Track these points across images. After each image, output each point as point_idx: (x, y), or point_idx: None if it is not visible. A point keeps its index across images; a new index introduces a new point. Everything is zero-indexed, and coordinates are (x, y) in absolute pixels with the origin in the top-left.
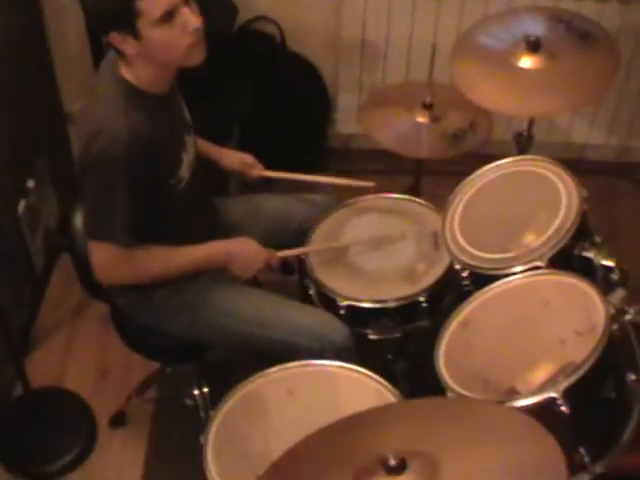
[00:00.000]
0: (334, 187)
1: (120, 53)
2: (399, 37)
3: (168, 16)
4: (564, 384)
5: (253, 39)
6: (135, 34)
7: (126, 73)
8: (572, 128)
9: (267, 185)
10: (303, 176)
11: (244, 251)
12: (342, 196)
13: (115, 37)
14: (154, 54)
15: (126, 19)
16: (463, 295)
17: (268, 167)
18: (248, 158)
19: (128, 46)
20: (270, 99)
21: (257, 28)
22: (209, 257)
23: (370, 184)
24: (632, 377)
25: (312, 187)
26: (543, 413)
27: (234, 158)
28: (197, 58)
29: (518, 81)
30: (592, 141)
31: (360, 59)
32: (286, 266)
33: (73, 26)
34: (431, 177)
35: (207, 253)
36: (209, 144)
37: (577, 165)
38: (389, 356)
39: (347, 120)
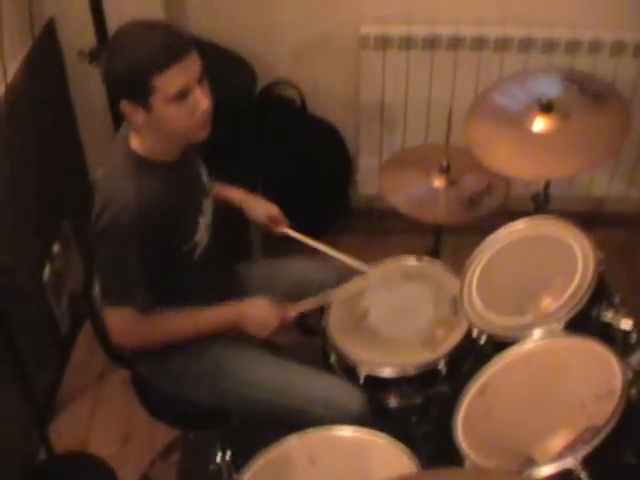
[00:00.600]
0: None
1: (129, 120)
2: (418, 99)
3: (181, 95)
4: (582, 452)
5: (274, 103)
6: (147, 107)
7: (135, 143)
8: (592, 181)
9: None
10: (320, 245)
11: (257, 311)
12: (362, 260)
13: (126, 105)
14: (161, 127)
15: (141, 92)
16: (482, 359)
17: (292, 228)
18: (275, 211)
19: (137, 116)
20: (292, 161)
21: (278, 92)
22: (223, 318)
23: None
24: None
25: None
26: None
27: (261, 210)
28: (202, 136)
29: (532, 144)
30: (613, 194)
31: (380, 121)
32: (308, 327)
33: (97, 94)
34: (452, 235)
35: (221, 315)
36: (237, 190)
37: (598, 218)
38: (413, 419)
39: (368, 181)
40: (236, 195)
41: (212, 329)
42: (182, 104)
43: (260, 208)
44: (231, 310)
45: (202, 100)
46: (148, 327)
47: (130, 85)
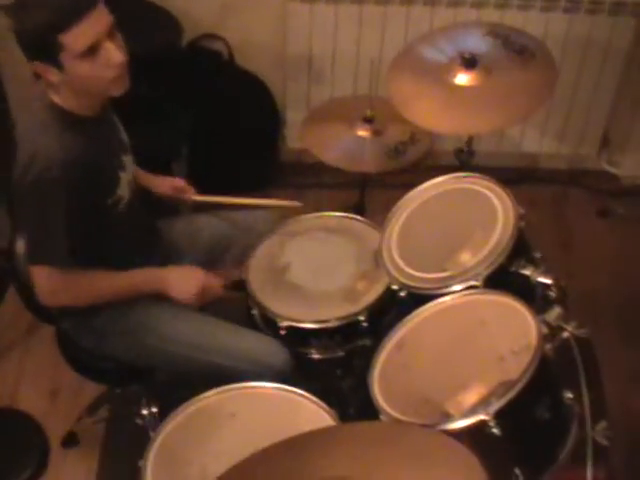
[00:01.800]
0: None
1: (44, 79)
2: (346, 52)
3: (91, 51)
4: (495, 406)
5: (201, 56)
6: (58, 66)
7: (54, 97)
8: (523, 138)
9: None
10: (233, 199)
11: (180, 276)
12: (285, 215)
13: (39, 66)
14: (76, 84)
15: (49, 51)
16: (403, 314)
17: (219, 184)
18: (178, 182)
19: (51, 75)
20: (220, 116)
21: (205, 45)
22: (147, 281)
23: (297, 204)
24: (569, 395)
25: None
26: (475, 435)
27: (165, 184)
28: (119, 90)
29: (453, 99)
30: (544, 150)
31: (308, 74)
32: (239, 283)
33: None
34: (379, 191)
35: (145, 278)
36: (141, 172)
37: (529, 174)
38: (338, 372)
39: (296, 135)
40: (139, 175)
41: (136, 290)
42: (94, 60)
43: (163, 183)
44: (156, 273)
45: (114, 54)
46: (73, 287)
47: (38, 45)
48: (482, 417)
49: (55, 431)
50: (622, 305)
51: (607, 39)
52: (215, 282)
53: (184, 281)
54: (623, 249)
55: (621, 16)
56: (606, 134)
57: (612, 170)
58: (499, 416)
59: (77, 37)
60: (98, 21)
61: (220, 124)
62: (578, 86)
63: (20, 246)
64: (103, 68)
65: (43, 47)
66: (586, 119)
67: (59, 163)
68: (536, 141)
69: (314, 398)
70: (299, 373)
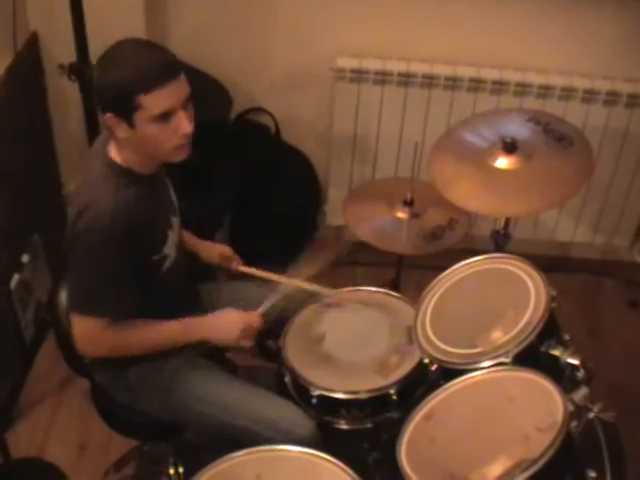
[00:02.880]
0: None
1: (111, 132)
2: (390, 134)
3: (164, 116)
4: (519, 479)
5: (249, 129)
6: (130, 123)
7: (114, 154)
8: (557, 226)
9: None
10: (274, 276)
11: (219, 320)
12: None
13: (111, 118)
14: (142, 144)
15: (125, 108)
16: (433, 388)
17: (257, 256)
18: (227, 251)
19: (120, 130)
20: (262, 189)
21: (253, 119)
22: (186, 332)
23: (332, 292)
24: (592, 474)
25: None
26: None
27: (213, 252)
28: (180, 157)
29: (493, 181)
30: (577, 239)
31: (351, 154)
32: (268, 352)
33: (74, 109)
34: (415, 270)
35: (184, 328)
36: (191, 237)
37: (562, 263)
38: (365, 445)
39: (337, 212)
40: (189, 240)
41: (176, 339)
42: (164, 125)
43: (212, 250)
44: (193, 323)
45: (184, 124)
46: (114, 337)
47: (116, 100)
48: None
49: None
50: None
51: None
52: (252, 318)
53: (223, 328)
54: None
55: None
56: None
57: None
58: None
59: (155, 101)
60: (178, 90)
61: (263, 196)
62: (614, 177)
63: (63, 298)
64: (171, 134)
65: (121, 102)
66: (621, 210)
67: (110, 214)
68: (570, 230)
69: (339, 462)
70: (326, 443)
